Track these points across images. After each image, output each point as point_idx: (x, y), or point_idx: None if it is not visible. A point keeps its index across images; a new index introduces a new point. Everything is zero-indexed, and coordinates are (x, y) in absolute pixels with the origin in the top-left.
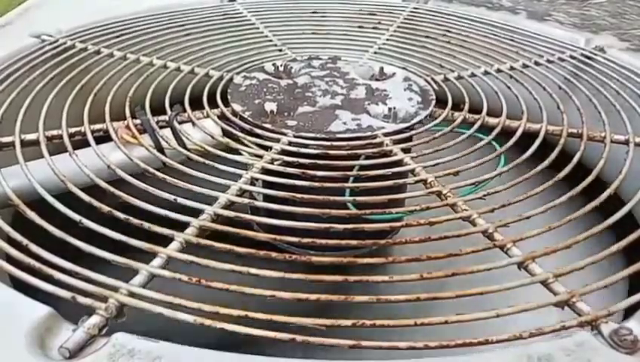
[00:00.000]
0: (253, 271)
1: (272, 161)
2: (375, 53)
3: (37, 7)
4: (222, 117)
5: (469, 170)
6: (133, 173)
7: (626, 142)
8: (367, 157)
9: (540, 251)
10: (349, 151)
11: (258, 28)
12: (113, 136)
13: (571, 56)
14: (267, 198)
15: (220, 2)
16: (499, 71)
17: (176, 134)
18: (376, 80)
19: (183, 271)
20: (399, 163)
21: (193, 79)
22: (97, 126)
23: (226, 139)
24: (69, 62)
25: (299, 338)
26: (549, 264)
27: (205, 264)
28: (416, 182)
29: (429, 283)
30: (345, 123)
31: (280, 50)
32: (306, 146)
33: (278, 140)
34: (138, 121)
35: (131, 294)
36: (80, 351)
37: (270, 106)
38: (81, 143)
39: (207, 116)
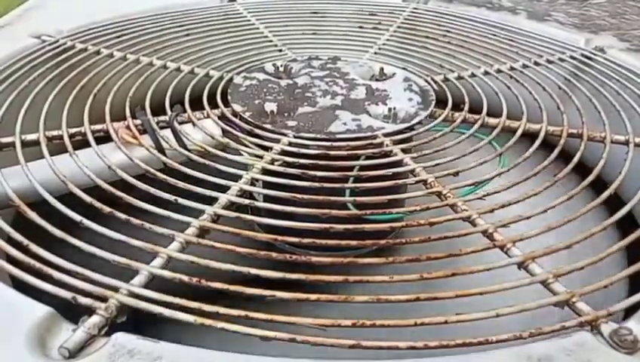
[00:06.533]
0: (253, 271)
1: (272, 162)
2: (375, 53)
3: (37, 8)
4: (222, 117)
5: (469, 171)
6: (133, 173)
7: (626, 143)
8: (368, 158)
9: (540, 251)
10: (349, 152)
11: (258, 28)
12: (113, 136)
13: (571, 57)
14: (267, 199)
15: (220, 2)
16: (499, 71)
17: (176, 135)
18: (376, 80)
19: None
20: (399, 163)
21: (193, 79)
22: (98, 126)
23: (226, 140)
24: (69, 62)
25: (299, 338)
26: (549, 264)
27: (205, 264)
28: (417, 182)
29: (429, 283)
30: (345, 123)
31: (280, 51)
32: (306, 147)
33: (278, 141)
34: (138, 122)
35: (131, 294)
36: (80, 351)
37: (270, 106)
38: (81, 144)
39: (208, 116)
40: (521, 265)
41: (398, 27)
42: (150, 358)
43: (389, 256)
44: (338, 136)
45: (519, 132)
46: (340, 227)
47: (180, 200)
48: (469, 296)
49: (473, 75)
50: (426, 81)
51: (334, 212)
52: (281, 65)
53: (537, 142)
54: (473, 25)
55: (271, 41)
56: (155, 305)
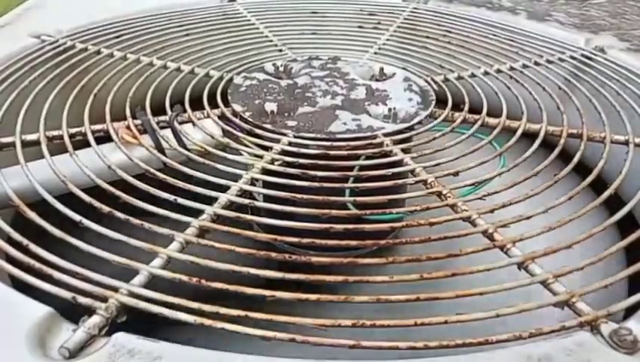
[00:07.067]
0: (253, 271)
1: (272, 162)
2: (375, 53)
3: (37, 8)
4: (222, 117)
5: (469, 171)
6: (133, 173)
7: (626, 143)
8: (368, 158)
9: (540, 251)
10: (349, 152)
11: (258, 28)
12: (114, 136)
13: (571, 57)
14: (267, 198)
15: (220, 2)
16: (499, 71)
17: (176, 134)
18: (376, 80)
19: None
20: (399, 163)
21: (193, 79)
22: (98, 126)
23: (226, 140)
24: (69, 62)
25: (299, 338)
26: (549, 264)
27: (205, 264)
28: (417, 182)
29: (429, 283)
30: (345, 123)
31: (280, 51)
32: (306, 146)
33: (278, 140)
34: (138, 122)
35: (131, 294)
36: (80, 351)
37: (270, 106)
38: (81, 144)
39: (208, 116)
40: (521, 266)
41: (398, 27)
42: (150, 358)
43: (389, 256)
44: (338, 136)
45: (519, 132)
46: (340, 227)
47: (180, 200)
48: (469, 296)
49: (473, 75)
50: (426, 81)
51: (334, 212)
52: (281, 65)
53: (537, 142)
54: (473, 25)
55: (271, 41)
56: (155, 305)
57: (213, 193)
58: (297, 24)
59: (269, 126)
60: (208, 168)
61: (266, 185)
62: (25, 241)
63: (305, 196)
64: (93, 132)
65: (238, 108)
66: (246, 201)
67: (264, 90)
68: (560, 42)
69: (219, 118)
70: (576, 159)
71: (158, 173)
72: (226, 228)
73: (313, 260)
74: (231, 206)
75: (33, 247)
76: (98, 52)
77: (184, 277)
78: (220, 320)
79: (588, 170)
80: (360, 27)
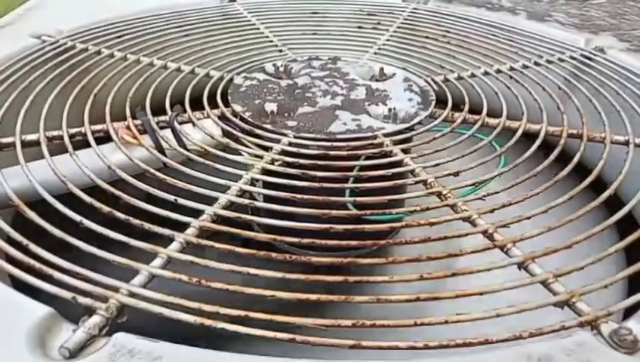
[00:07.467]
0: (252, 271)
1: (272, 162)
2: (375, 53)
3: (37, 8)
4: (222, 117)
5: (469, 171)
6: (133, 173)
7: (626, 143)
8: (367, 158)
9: (540, 251)
10: (349, 152)
11: (258, 28)
12: (114, 136)
13: (571, 57)
14: (267, 199)
15: (220, 3)
16: (499, 71)
17: (176, 135)
18: (376, 80)
19: (183, 271)
20: (399, 163)
21: (193, 80)
22: (98, 126)
23: (226, 140)
24: (69, 62)
25: (299, 338)
26: (549, 264)
27: (205, 264)
28: (417, 182)
29: (429, 283)
30: (345, 123)
31: (280, 51)
32: (306, 147)
33: (278, 141)
34: (138, 122)
35: (132, 294)
36: (80, 351)
37: (270, 107)
38: (81, 144)
39: (208, 116)
40: (521, 265)
41: (398, 27)
42: (150, 358)
43: (389, 256)
44: (338, 136)
45: (519, 132)
46: (340, 227)
47: (180, 200)
48: (469, 295)
49: (473, 76)
50: (426, 81)
51: (334, 212)
52: (282, 66)
53: (537, 143)
54: (473, 25)
55: (271, 41)
56: (155, 305)
57: (213, 193)
58: (297, 24)
59: (269, 126)
60: (208, 168)
61: (266, 185)
62: (25, 241)
63: (305, 196)
64: (93, 132)
65: (238, 108)
66: (246, 201)
67: (264, 90)
68: (560, 42)
69: (219, 118)
70: (576, 159)
71: (158, 173)
72: (226, 229)
73: (313, 260)
74: (231, 206)
75: (33, 247)
76: (98, 52)
77: (184, 277)
78: (220, 320)
79: (588, 171)
80: (360, 27)
